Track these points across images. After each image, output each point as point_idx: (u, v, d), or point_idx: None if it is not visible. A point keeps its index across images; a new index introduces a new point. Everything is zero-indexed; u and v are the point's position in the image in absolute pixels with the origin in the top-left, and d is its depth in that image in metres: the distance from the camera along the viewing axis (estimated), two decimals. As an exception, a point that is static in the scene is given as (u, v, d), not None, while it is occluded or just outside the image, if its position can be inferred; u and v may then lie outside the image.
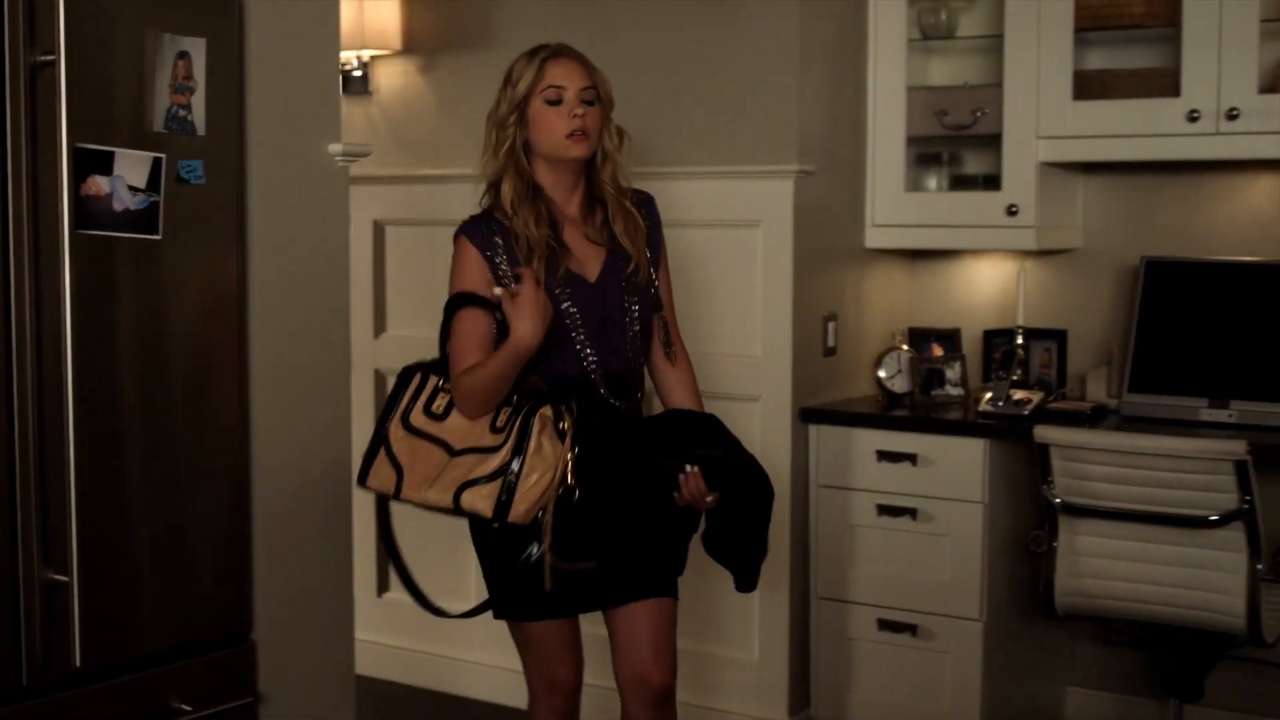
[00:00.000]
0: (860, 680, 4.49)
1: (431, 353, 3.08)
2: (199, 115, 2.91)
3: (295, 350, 3.25)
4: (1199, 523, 3.82)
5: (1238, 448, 3.72)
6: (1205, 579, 3.86)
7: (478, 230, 3.15)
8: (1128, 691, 4.58)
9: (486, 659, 4.97)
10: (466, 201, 4.76)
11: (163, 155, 2.86)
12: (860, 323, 4.73)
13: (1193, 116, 4.16)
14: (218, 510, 3.06)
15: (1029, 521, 4.30)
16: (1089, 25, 4.35)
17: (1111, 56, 4.50)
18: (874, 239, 4.69)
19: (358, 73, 5.09)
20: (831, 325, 4.59)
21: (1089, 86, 4.35)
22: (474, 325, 3.03)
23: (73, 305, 2.72)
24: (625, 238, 3.20)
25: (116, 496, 2.86)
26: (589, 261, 3.17)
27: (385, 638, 5.20)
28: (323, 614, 3.30)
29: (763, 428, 4.48)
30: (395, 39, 4.98)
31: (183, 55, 2.88)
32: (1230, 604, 3.83)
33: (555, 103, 3.11)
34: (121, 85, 2.80)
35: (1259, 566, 3.80)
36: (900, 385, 4.61)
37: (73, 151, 2.70)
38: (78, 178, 2.73)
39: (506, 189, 3.15)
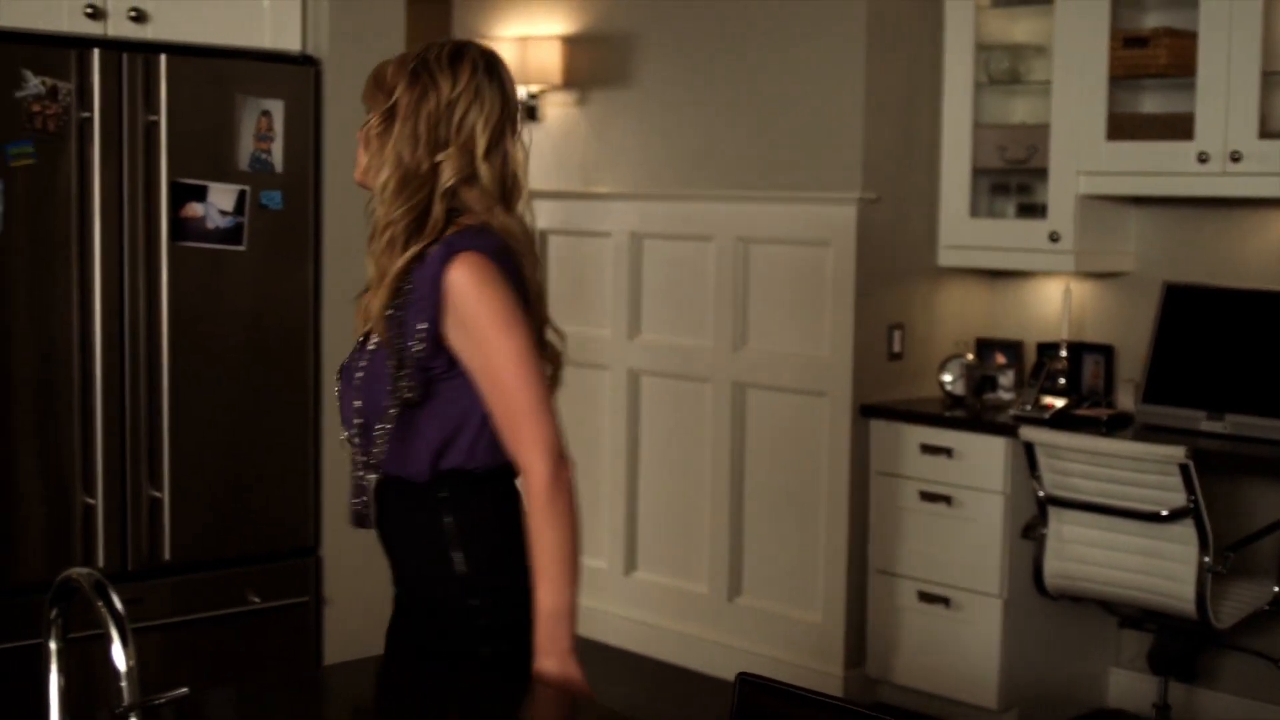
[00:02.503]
0: (905, 644, 5.14)
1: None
2: (278, 157, 3.88)
3: (362, 333, 4.15)
4: (1154, 517, 4.36)
5: (1178, 452, 4.26)
6: (1161, 568, 4.40)
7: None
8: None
9: (613, 609, 5.84)
10: (613, 216, 5.69)
11: (247, 187, 3.84)
12: (931, 332, 5.37)
13: (1202, 158, 4.66)
14: (293, 452, 4.03)
15: (1045, 512, 4.88)
16: (1123, 74, 4.88)
17: (1141, 101, 5.01)
18: (945, 259, 5.33)
19: (530, 104, 6.03)
20: (898, 333, 5.26)
21: (1121, 128, 4.89)
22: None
23: (169, 294, 3.73)
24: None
25: (203, 438, 3.85)
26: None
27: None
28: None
29: (829, 420, 5.20)
30: (556, 75, 5.90)
31: (265, 113, 3.85)
32: (1182, 591, 4.36)
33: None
34: (215, 136, 3.79)
35: (1207, 559, 4.31)
36: (959, 389, 5.24)
37: (171, 185, 3.71)
38: (177, 204, 3.73)
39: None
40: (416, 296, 2.41)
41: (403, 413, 2.46)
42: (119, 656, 1.76)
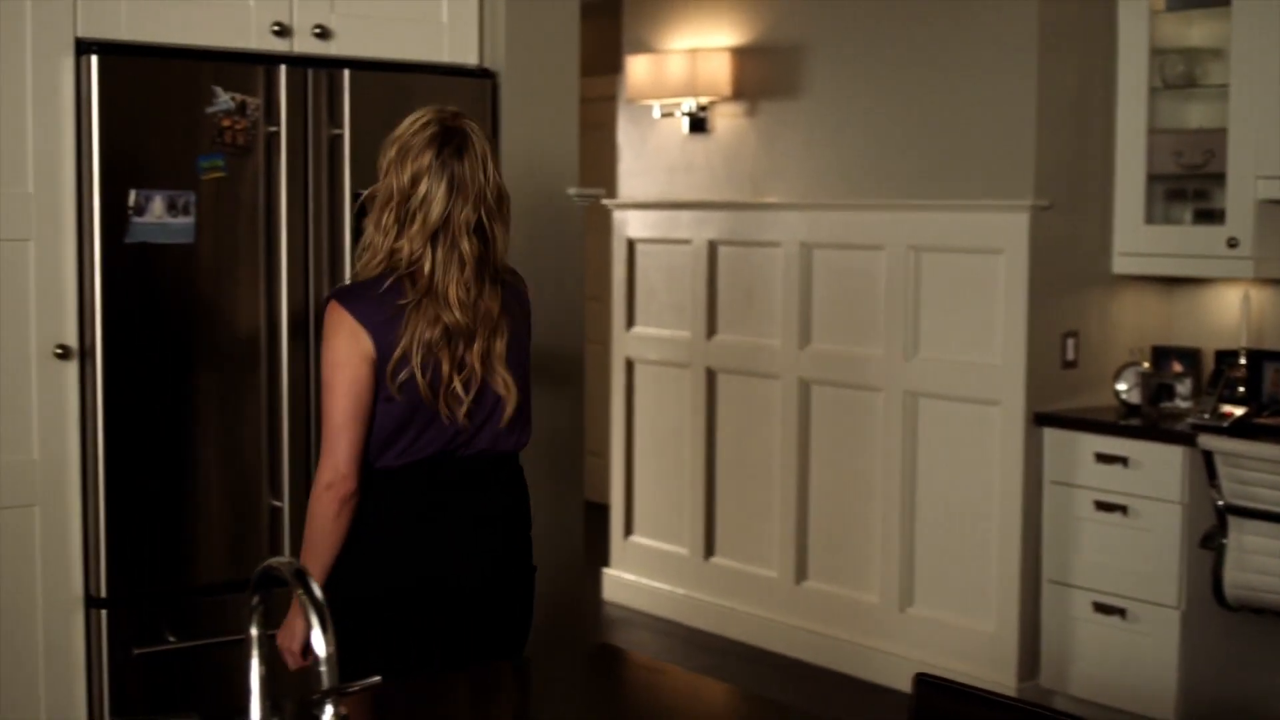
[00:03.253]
0: (1080, 655, 5.08)
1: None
2: (456, 168, 3.97)
3: (537, 338, 4.21)
4: (1340, 528, 4.27)
5: (1365, 461, 4.16)
6: (1348, 579, 4.30)
7: None
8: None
9: (784, 618, 5.86)
10: (782, 226, 5.71)
11: (428, 198, 3.94)
12: (1105, 340, 5.31)
13: (1388, 160, 4.55)
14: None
15: (1226, 522, 4.78)
16: (1304, 76, 4.79)
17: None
18: (1119, 266, 5.27)
19: (700, 115, 6.09)
20: (1071, 341, 5.21)
21: (1302, 131, 4.80)
22: None
23: (352, 305, 3.85)
24: None
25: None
26: None
27: (709, 595, 6.18)
28: (560, 556, 4.23)
29: (1001, 429, 5.16)
30: (725, 87, 5.94)
31: (444, 124, 3.95)
32: (1370, 603, 4.26)
33: None
34: (397, 147, 3.89)
35: (1396, 571, 4.21)
36: (1135, 397, 5.16)
37: (354, 195, 3.82)
38: (360, 215, 3.84)
39: None
40: None
41: None
42: (319, 642, 1.83)
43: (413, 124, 2.93)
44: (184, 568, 3.74)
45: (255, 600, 1.97)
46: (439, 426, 2.87)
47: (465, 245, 2.86)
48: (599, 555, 6.37)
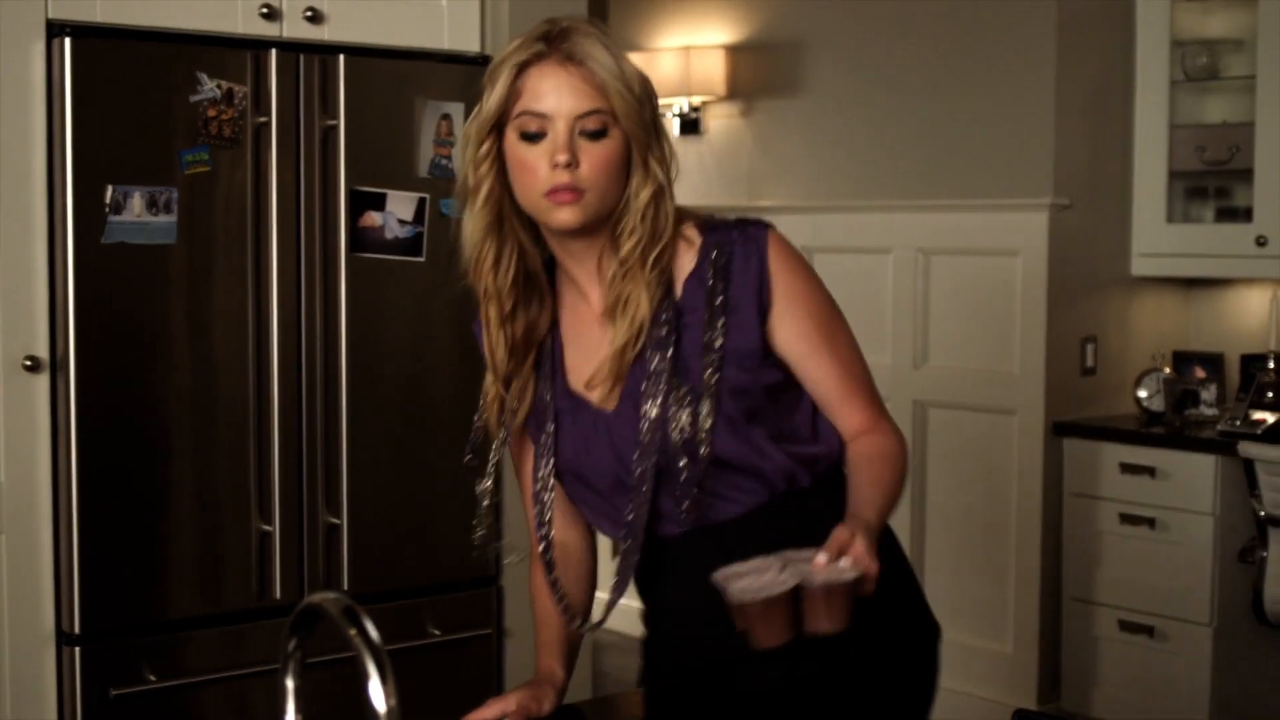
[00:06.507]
0: (1104, 676, 4.83)
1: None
2: (459, 163, 3.68)
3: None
4: (1392, 540, 4.04)
5: None
6: (1400, 594, 4.07)
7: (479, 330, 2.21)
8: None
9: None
10: (781, 229, 5.42)
11: (427, 195, 3.64)
12: (1125, 345, 5.07)
13: None
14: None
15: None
16: (1335, 66, 4.57)
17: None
18: (1139, 267, 5.03)
19: (693, 116, 5.82)
20: (1090, 347, 4.97)
21: (1335, 124, 4.58)
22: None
23: (348, 308, 3.54)
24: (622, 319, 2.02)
25: (382, 461, 3.66)
26: (607, 377, 2.07)
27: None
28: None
29: (1018, 440, 4.91)
30: (720, 86, 5.68)
31: (445, 116, 3.66)
32: None
33: (534, 137, 1.97)
34: (394, 141, 3.60)
35: None
36: (1158, 404, 4.92)
37: (350, 193, 3.52)
38: (356, 213, 3.55)
39: (484, 260, 2.08)
40: None
41: None
42: (377, 694, 1.53)
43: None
44: (166, 600, 3.43)
45: (292, 645, 1.66)
46: None
47: None
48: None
